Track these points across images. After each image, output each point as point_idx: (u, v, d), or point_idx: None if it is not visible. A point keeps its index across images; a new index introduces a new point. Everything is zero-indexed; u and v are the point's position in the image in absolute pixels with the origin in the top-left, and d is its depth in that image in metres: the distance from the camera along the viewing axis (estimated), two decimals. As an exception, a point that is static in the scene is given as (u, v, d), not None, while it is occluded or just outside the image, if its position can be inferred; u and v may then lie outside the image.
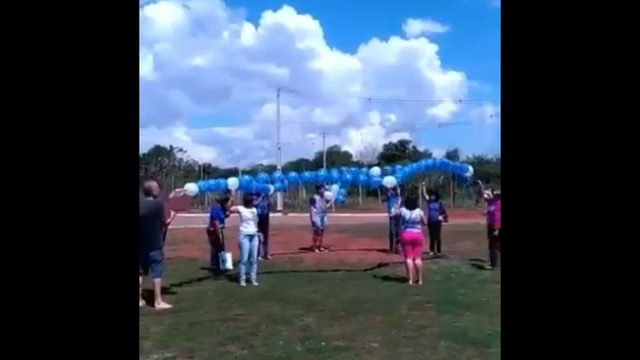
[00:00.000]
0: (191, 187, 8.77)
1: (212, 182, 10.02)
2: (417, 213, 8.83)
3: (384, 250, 12.30)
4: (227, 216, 9.86)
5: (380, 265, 10.45)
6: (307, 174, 10.80)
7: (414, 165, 11.76)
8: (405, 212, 8.80)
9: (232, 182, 9.36)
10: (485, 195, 11.06)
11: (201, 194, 9.44)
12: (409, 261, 8.62)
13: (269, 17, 76.10)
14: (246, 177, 9.88)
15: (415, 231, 8.78)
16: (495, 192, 10.88)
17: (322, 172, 12.67)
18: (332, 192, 12.82)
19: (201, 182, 9.64)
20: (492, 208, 10.28)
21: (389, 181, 10.22)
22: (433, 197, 13.25)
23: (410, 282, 8.47)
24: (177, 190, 8.96)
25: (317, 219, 12.68)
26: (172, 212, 7.76)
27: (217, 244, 9.70)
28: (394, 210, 9.87)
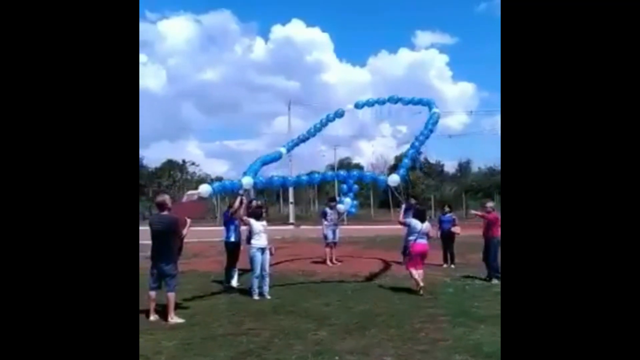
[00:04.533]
0: (204, 189, 8.35)
1: (227, 182, 9.55)
2: (427, 225, 8.96)
3: (396, 262, 12.22)
4: (231, 217, 9.52)
5: (393, 277, 10.39)
6: (316, 175, 10.79)
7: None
8: (416, 223, 8.81)
9: (247, 182, 8.99)
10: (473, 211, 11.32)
11: (215, 194, 8.97)
12: (419, 272, 8.71)
13: (278, 31, 76.66)
14: (261, 178, 9.60)
15: (425, 242, 8.90)
16: (489, 205, 10.98)
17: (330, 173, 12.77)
18: (345, 204, 12.80)
19: (215, 184, 9.26)
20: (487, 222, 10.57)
21: (394, 180, 10.17)
22: (447, 209, 13.20)
23: (421, 292, 8.51)
24: (190, 193, 8.45)
25: (328, 232, 12.63)
26: (188, 220, 7.45)
27: (234, 257, 9.56)
28: (400, 218, 9.73)
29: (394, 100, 12.86)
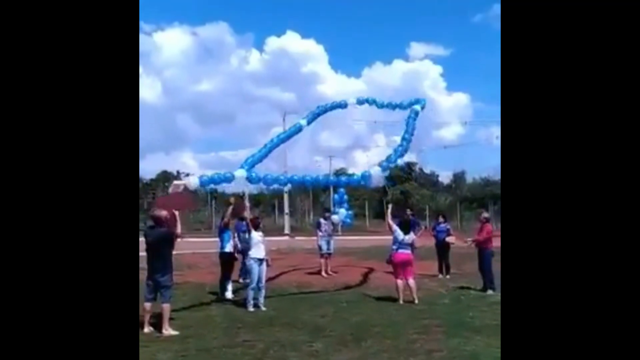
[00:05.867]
0: (192, 181, 7.95)
1: (215, 175, 8.73)
2: (411, 236, 9.13)
3: (391, 273, 12.20)
4: (225, 225, 9.48)
5: (388, 288, 10.38)
6: (308, 177, 10.74)
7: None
8: (399, 233, 8.88)
9: (240, 174, 8.64)
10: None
11: (203, 187, 8.43)
12: (400, 282, 8.90)
13: (273, 42, 76.67)
14: (254, 174, 9.25)
15: (407, 252, 9.02)
16: (483, 216, 10.98)
17: (321, 177, 12.55)
18: (339, 214, 12.79)
19: (203, 177, 8.58)
20: (481, 232, 10.56)
21: (376, 172, 10.25)
22: (442, 219, 13.24)
23: (401, 301, 8.72)
24: (176, 183, 8.01)
25: (322, 243, 12.61)
26: (175, 213, 7.06)
27: (229, 268, 9.55)
28: (389, 220, 9.61)
29: (392, 106, 13.12)
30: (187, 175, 48.05)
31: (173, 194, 7.79)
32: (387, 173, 10.66)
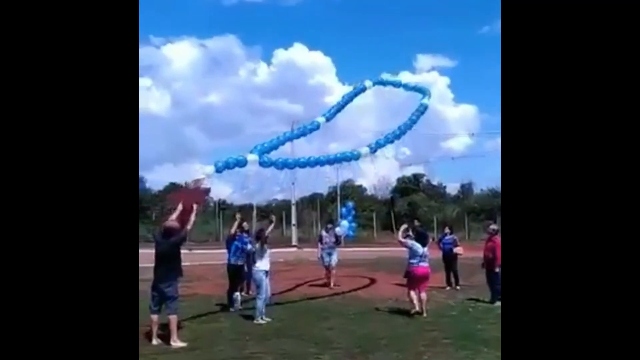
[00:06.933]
0: (208, 170, 8.19)
1: (230, 159, 8.81)
2: (427, 248, 9.05)
3: (399, 285, 12.14)
4: (233, 237, 9.62)
5: (395, 300, 10.34)
6: (312, 158, 10.65)
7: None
8: (419, 246, 8.82)
9: (252, 158, 8.91)
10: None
11: (219, 172, 8.43)
12: (413, 293, 8.82)
13: (281, 55, 76.80)
14: (266, 158, 9.20)
15: (427, 266, 8.95)
16: (492, 228, 10.87)
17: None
18: (342, 227, 12.76)
19: (219, 163, 8.65)
20: (490, 244, 10.40)
21: (365, 151, 10.64)
22: (448, 231, 13.19)
23: (412, 311, 8.67)
24: (195, 179, 8.24)
25: (324, 255, 12.56)
26: (194, 206, 7.47)
27: (236, 280, 9.60)
28: (400, 238, 9.48)
29: (397, 84, 14.07)
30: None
31: (195, 189, 8.05)
32: (373, 148, 10.96)
